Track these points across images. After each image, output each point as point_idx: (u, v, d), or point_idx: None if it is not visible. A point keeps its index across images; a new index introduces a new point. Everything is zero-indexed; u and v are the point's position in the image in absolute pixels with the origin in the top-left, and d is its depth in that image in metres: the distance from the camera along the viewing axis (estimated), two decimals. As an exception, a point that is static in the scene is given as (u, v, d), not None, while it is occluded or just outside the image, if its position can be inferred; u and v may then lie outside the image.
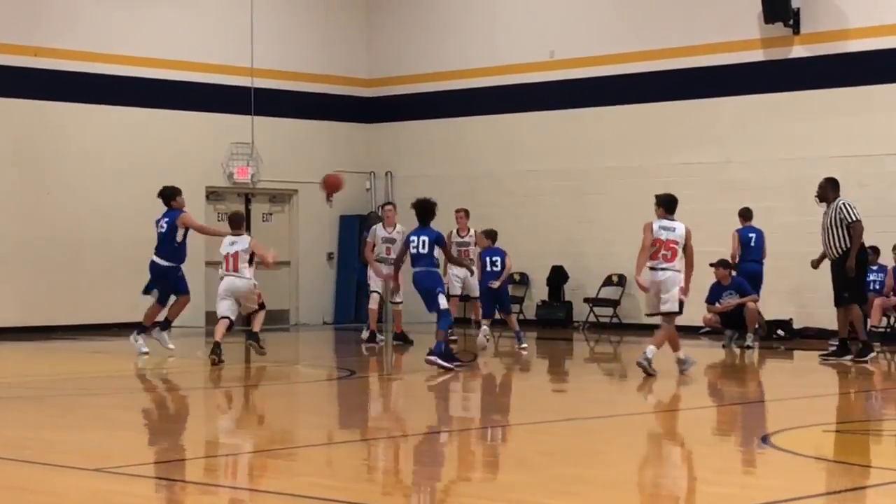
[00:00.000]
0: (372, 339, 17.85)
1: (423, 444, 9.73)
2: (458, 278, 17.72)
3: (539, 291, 22.63)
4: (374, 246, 17.80)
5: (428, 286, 14.36)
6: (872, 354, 15.58)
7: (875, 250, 17.98)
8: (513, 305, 19.64)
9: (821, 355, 15.94)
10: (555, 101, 22.80)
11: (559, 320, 22.00)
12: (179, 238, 16.10)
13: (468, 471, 8.52)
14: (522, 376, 15.66)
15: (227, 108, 22.71)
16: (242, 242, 15.44)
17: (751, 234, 18.90)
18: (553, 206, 22.44)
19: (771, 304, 19.41)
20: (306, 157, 23.56)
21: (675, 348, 14.05)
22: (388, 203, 18.99)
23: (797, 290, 19.52)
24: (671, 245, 13.92)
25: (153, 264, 16.16)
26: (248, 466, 8.70)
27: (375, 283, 17.91)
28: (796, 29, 20.08)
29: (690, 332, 19.97)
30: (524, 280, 22.49)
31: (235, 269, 15.30)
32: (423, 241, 14.29)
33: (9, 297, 20.28)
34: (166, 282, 16.08)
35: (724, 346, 17.93)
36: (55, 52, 20.87)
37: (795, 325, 19.50)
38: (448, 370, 13.93)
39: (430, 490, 7.72)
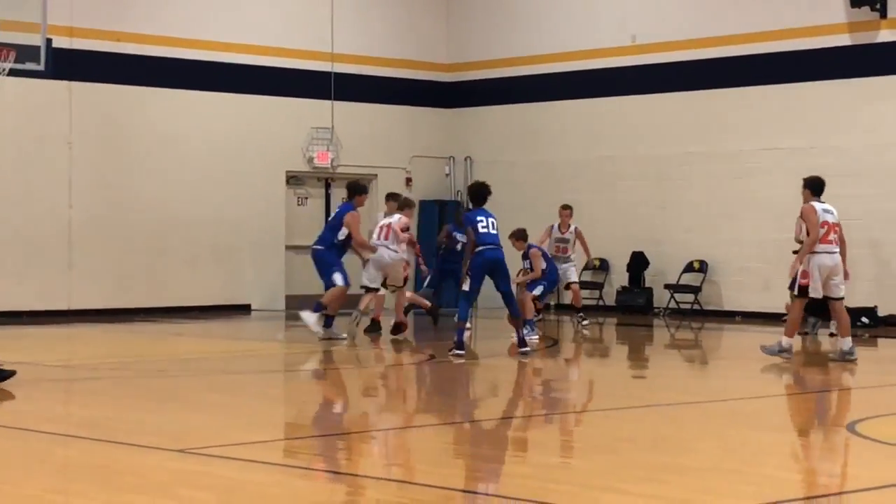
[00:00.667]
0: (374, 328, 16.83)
1: (506, 429, 9.73)
2: None
3: (619, 277, 22.51)
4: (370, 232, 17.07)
5: (503, 262, 14.26)
6: None
7: None
8: (594, 290, 19.62)
9: None
10: (635, 86, 22.65)
11: (639, 306, 21.87)
12: (341, 236, 16.05)
13: (551, 456, 8.50)
14: (603, 362, 15.60)
15: (307, 93, 22.83)
16: (394, 218, 16.41)
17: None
18: (633, 192, 22.30)
19: (855, 291, 19.15)
20: (386, 142, 23.62)
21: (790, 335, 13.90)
22: (393, 193, 18.32)
23: (882, 277, 19.26)
24: (836, 228, 13.72)
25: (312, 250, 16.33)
26: (335, 448, 8.75)
27: (371, 279, 16.67)
28: (883, 13, 19.76)
29: (774, 318, 19.80)
30: (604, 266, 22.39)
31: (386, 238, 16.25)
32: (492, 222, 14.24)
33: (93, 279, 20.54)
34: (322, 267, 16.11)
35: (807, 334, 17.72)
36: (138, 38, 21.07)
37: (880, 313, 19.24)
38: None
39: (512, 475, 7.72)
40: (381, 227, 16.57)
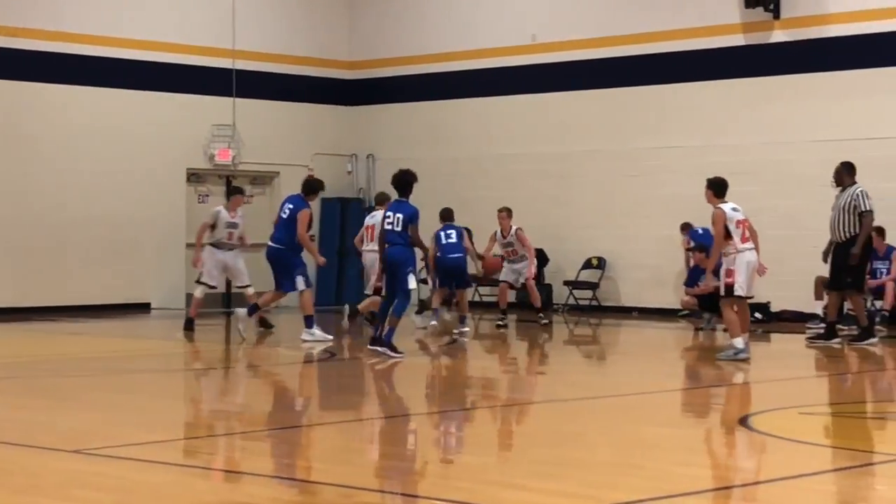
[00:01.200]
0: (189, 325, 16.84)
1: (404, 426, 9.79)
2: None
3: (520, 274, 22.68)
4: (212, 228, 16.92)
5: (400, 262, 13.92)
6: (874, 339, 15.63)
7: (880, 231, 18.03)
8: (496, 287, 19.67)
9: (807, 338, 16.06)
10: (536, 85, 22.84)
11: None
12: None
13: (447, 453, 8.58)
14: (503, 359, 15.73)
15: (209, 90, 22.70)
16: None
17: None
18: (533, 189, 22.47)
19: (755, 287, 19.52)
20: (288, 140, 23.56)
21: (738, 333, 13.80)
22: (238, 188, 18.40)
23: (775, 273, 19.59)
24: (747, 224, 13.81)
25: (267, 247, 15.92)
26: (228, 447, 8.75)
27: (209, 275, 16.96)
28: (776, 14, 20.15)
29: (669, 314, 20.11)
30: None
31: (371, 240, 16.30)
32: (399, 218, 13.89)
33: (-11, 278, 20.29)
34: (279, 268, 15.71)
35: (701, 329, 18.02)
36: (36, 33, 20.81)
37: (773, 309, 19.62)
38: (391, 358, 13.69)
39: (411, 473, 7.79)
40: (367, 228, 16.78)
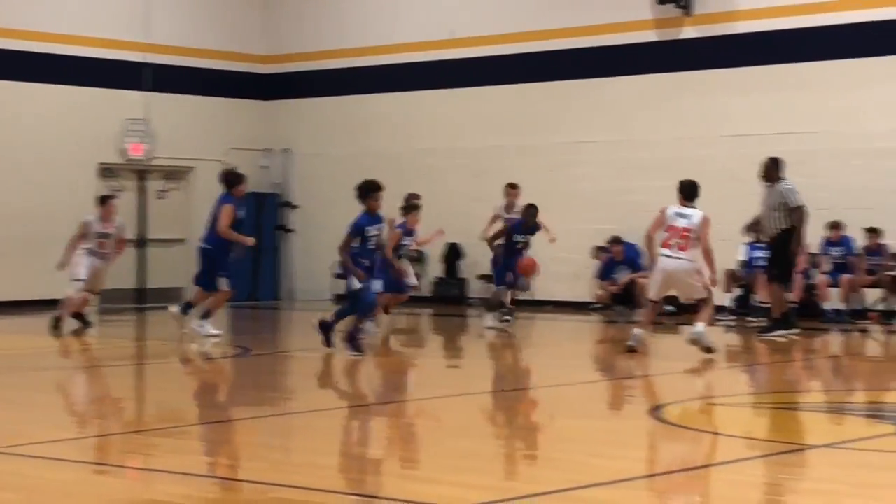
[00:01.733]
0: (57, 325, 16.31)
1: (316, 421, 9.79)
2: None
3: (435, 268, 22.77)
4: (84, 237, 16.48)
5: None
6: (786, 332, 15.83)
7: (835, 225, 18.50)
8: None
9: (758, 331, 16.18)
10: (454, 80, 22.92)
11: (454, 297, 22.18)
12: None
13: (362, 447, 8.60)
14: (417, 353, 15.77)
15: (121, 83, 22.46)
16: None
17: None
18: (450, 183, 22.54)
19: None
20: (202, 134, 23.40)
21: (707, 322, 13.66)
22: (109, 196, 17.61)
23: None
24: (685, 234, 13.35)
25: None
26: (140, 445, 8.70)
27: (79, 271, 16.51)
28: (687, 10, 20.40)
29: (581, 308, 20.29)
30: (421, 257, 22.59)
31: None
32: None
33: None
34: (206, 267, 15.40)
35: (614, 322, 18.20)
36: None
37: (683, 301, 19.84)
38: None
39: (323, 467, 7.80)
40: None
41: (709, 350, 13.38)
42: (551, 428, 9.28)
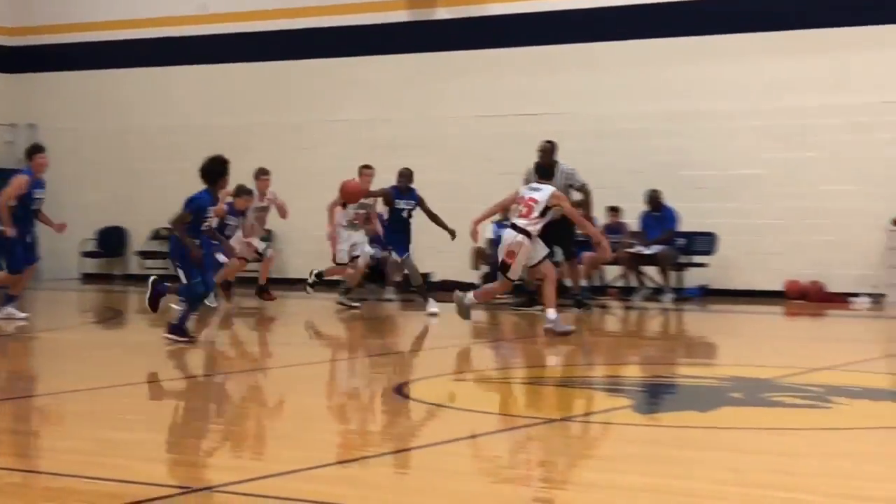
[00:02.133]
0: None
1: (59, 405, 9.62)
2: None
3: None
4: None
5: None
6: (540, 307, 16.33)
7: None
8: (157, 260, 19.42)
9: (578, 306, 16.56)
10: (207, 56, 22.68)
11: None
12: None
13: (101, 430, 8.49)
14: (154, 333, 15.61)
15: None
16: None
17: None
18: (201, 161, 22.29)
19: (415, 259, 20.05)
20: (-58, 107, 22.57)
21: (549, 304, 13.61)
22: None
23: (436, 245, 20.18)
24: (529, 202, 13.51)
25: None
26: None
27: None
28: (440, -9, 20.75)
29: (333, 286, 20.40)
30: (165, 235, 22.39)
31: None
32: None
33: None
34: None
35: (364, 300, 18.35)
36: None
37: (434, 279, 20.20)
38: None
39: (57, 452, 7.67)
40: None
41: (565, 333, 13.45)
42: (296, 406, 9.33)
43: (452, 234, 16.53)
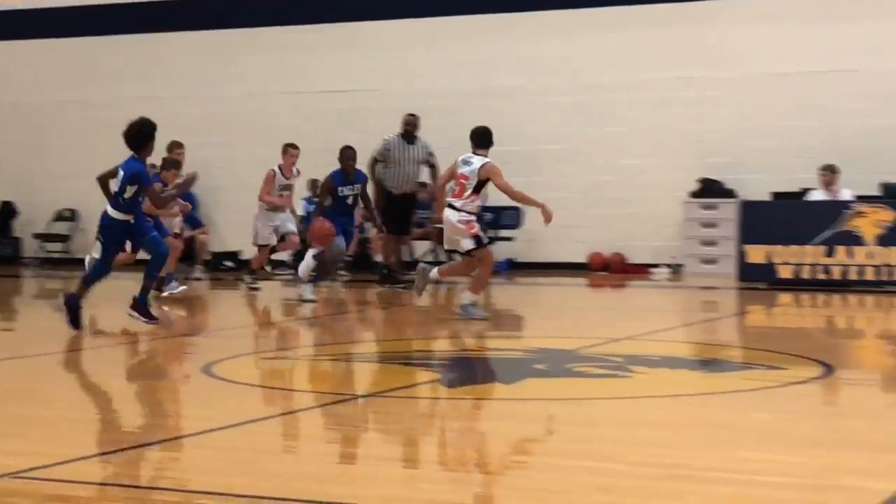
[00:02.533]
0: None
1: None
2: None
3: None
4: None
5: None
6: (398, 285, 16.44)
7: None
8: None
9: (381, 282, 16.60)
10: (6, 32, 22.12)
11: (7, 257, 21.48)
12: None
13: None
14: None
15: None
16: None
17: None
18: (3, 140, 21.77)
19: (223, 235, 19.94)
20: None
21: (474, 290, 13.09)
22: None
23: (245, 222, 20.12)
24: (461, 180, 12.70)
25: None
26: None
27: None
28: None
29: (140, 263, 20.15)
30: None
31: None
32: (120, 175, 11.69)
33: None
34: None
35: (186, 279, 18.17)
36: None
37: (243, 257, 20.12)
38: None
39: None
40: None
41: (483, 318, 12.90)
42: (101, 388, 9.22)
43: (380, 228, 16.25)
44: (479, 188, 12.66)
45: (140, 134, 11.57)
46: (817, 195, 17.80)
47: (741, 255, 17.34)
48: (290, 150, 16.63)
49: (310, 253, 14.98)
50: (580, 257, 20.14)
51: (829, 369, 9.56)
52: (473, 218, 12.70)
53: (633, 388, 8.88)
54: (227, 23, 21.04)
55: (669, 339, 12.13)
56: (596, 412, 7.99)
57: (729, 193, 19.75)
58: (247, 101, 20.94)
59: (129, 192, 11.54)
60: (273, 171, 16.50)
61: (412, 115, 17.24)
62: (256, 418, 7.85)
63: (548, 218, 12.78)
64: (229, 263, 19.69)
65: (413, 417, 8.07)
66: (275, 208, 16.46)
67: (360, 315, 14.47)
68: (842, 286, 16.59)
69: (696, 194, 20.06)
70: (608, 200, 20.14)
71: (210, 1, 21.24)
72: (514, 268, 20.16)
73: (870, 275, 16.65)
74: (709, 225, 19.76)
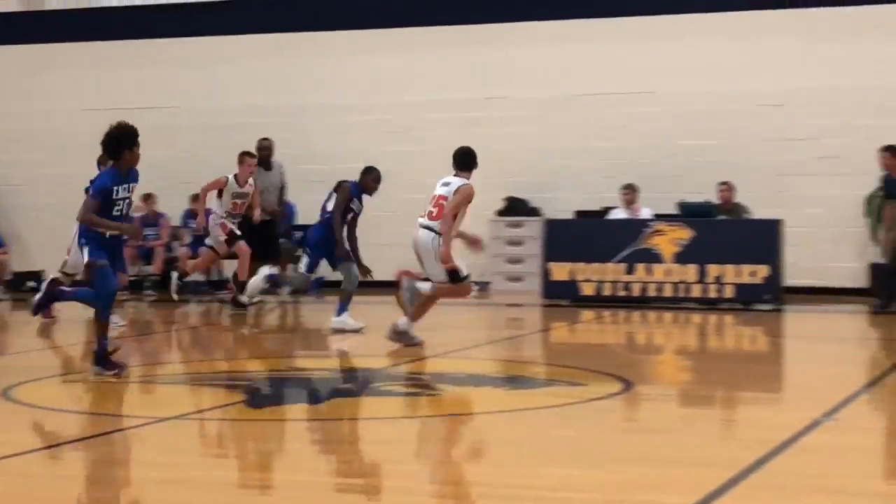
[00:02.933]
0: None
1: None
2: None
3: None
4: None
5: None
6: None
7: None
8: None
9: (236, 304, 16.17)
10: None
11: None
12: None
13: None
14: None
15: None
16: None
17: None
18: None
19: (22, 257, 19.53)
20: None
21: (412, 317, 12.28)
22: None
23: (47, 241, 19.68)
24: (439, 201, 12.15)
25: None
26: None
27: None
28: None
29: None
30: None
31: None
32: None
33: None
34: None
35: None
36: None
37: (44, 278, 19.72)
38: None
39: None
40: None
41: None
42: None
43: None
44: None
45: (113, 140, 10.31)
46: (618, 214, 18.26)
47: (545, 273, 17.67)
48: (246, 158, 16.04)
49: (263, 272, 14.91)
50: (391, 275, 20.23)
51: (628, 385, 9.82)
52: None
53: (438, 406, 8.98)
54: (25, 38, 20.60)
55: (476, 356, 12.29)
56: (401, 431, 8.05)
57: (534, 212, 20.10)
58: (47, 119, 20.51)
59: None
60: (226, 177, 15.93)
61: (266, 139, 17.08)
62: (55, 443, 7.71)
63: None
64: (32, 284, 19.20)
65: (218, 440, 8.00)
66: (231, 214, 15.89)
67: (169, 335, 14.29)
68: (641, 303, 17.04)
69: (502, 213, 20.35)
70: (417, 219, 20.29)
71: (6, 16, 20.75)
72: (324, 286, 20.14)
73: (668, 291, 17.13)
74: (514, 243, 20.07)
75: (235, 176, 15.97)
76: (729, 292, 16.85)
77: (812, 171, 18.95)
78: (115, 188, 10.02)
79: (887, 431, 8.23)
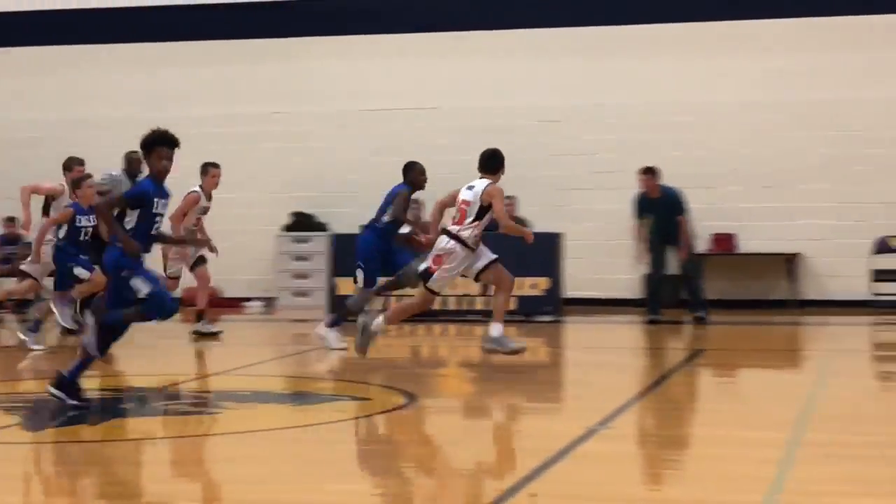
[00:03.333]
0: None
1: None
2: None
3: None
4: None
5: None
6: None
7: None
8: None
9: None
10: None
11: None
12: None
13: None
14: None
15: None
16: None
17: None
18: None
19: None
20: None
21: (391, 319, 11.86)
22: None
23: None
24: (462, 206, 11.47)
25: None
26: None
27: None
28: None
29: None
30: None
31: None
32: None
33: None
34: None
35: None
36: None
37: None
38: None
39: None
40: None
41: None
42: None
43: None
44: (481, 215, 11.47)
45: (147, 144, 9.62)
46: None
47: (332, 289, 17.69)
48: (211, 169, 15.03)
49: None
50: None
51: (412, 398, 9.92)
52: (457, 248, 11.47)
53: (221, 424, 8.92)
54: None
55: (261, 373, 12.24)
56: (184, 451, 7.97)
57: (321, 227, 20.12)
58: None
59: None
60: (196, 192, 14.90)
61: (136, 151, 16.27)
62: None
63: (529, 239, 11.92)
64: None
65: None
66: (190, 233, 14.64)
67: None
68: (427, 316, 17.20)
69: (289, 228, 20.31)
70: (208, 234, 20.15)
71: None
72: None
73: (452, 304, 17.34)
74: (301, 258, 20.05)
75: (202, 188, 15.11)
76: (511, 304, 17.17)
77: (589, 185, 19.49)
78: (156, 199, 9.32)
79: (656, 439, 8.52)
